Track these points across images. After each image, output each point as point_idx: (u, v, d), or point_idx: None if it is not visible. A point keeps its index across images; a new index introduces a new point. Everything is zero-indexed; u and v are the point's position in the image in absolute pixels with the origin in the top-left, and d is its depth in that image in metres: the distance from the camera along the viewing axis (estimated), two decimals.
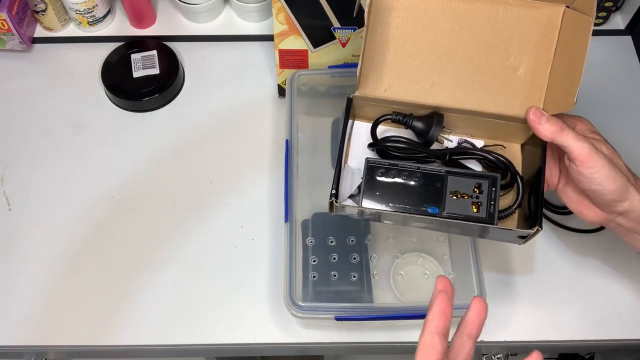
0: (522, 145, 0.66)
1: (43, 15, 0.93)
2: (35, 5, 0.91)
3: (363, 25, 0.77)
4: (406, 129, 0.65)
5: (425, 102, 0.62)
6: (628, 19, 0.93)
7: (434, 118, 0.62)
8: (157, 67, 0.89)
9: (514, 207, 0.61)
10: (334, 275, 0.72)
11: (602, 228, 0.78)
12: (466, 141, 0.65)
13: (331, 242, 0.74)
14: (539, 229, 0.57)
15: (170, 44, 0.93)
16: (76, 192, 0.82)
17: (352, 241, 0.75)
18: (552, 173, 0.64)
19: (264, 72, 0.91)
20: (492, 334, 0.72)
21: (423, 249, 0.76)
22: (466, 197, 0.59)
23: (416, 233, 0.77)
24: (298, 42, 0.80)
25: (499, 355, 0.78)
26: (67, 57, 0.94)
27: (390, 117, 0.64)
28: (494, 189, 0.59)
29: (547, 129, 0.58)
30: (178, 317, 0.73)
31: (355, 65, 0.82)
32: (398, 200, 0.59)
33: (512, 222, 0.62)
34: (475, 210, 0.58)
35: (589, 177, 0.57)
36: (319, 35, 0.79)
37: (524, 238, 0.59)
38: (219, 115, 0.88)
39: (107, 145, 0.86)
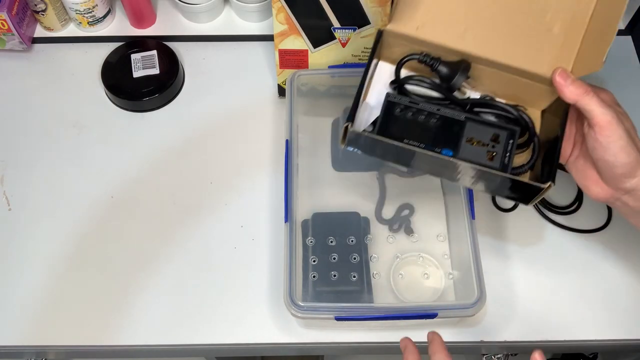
0: (543, 112, 0.64)
1: (43, 15, 0.93)
2: (35, 5, 0.91)
3: (363, 26, 0.77)
4: (431, 72, 0.62)
5: (455, 47, 0.60)
6: (628, 19, 0.93)
7: (461, 65, 0.60)
8: (157, 67, 0.89)
9: (527, 166, 0.60)
10: (334, 275, 0.72)
11: (602, 227, 0.78)
12: (487, 96, 0.64)
13: (331, 242, 0.74)
14: (552, 184, 0.56)
15: (170, 44, 0.93)
16: (76, 192, 0.82)
17: (352, 241, 0.75)
18: (565, 145, 0.63)
19: (264, 72, 0.91)
20: (492, 334, 0.72)
21: (423, 249, 0.76)
22: (482, 145, 0.58)
23: (416, 233, 0.77)
24: (298, 42, 0.80)
25: (499, 355, 0.78)
26: (67, 57, 0.94)
27: (417, 57, 0.62)
28: (511, 141, 0.59)
29: (572, 91, 0.57)
30: (178, 317, 0.73)
31: (355, 65, 0.82)
32: (413, 138, 0.58)
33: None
34: (489, 159, 0.58)
35: (605, 145, 0.57)
36: (319, 35, 0.79)
37: (534, 196, 0.57)
38: (219, 115, 0.88)
39: (107, 145, 0.86)
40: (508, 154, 0.58)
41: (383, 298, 0.73)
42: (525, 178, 0.59)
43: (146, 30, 0.96)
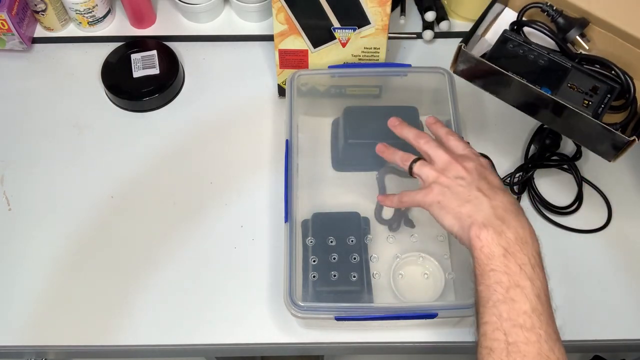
0: None
1: (43, 15, 0.93)
2: (35, 5, 0.91)
3: (363, 26, 0.77)
4: (550, 23, 0.68)
5: (578, 3, 0.65)
6: None
7: (579, 21, 0.66)
8: (157, 67, 0.89)
9: (619, 124, 0.63)
10: (334, 275, 0.72)
11: (602, 228, 0.78)
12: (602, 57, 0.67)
13: (331, 242, 0.74)
14: (637, 140, 0.59)
15: (170, 44, 0.93)
16: (76, 192, 0.82)
17: (352, 241, 0.75)
18: None
19: (264, 72, 0.91)
20: None
21: (423, 249, 0.76)
22: (580, 92, 0.62)
23: (416, 233, 0.77)
24: (298, 42, 0.80)
25: None
26: (67, 57, 0.94)
27: (541, 5, 0.67)
28: (609, 95, 0.62)
29: None
30: (178, 317, 0.73)
31: (355, 65, 0.82)
32: (518, 70, 0.63)
33: None
34: (584, 105, 0.62)
35: None
36: (319, 35, 0.79)
37: (618, 150, 0.61)
38: (218, 115, 0.88)
39: (107, 145, 0.86)
40: (603, 106, 0.62)
41: (383, 298, 0.73)
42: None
43: (146, 30, 0.96)
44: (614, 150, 0.62)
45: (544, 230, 0.78)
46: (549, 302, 0.55)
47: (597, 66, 0.66)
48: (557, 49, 0.68)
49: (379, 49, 0.81)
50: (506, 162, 0.83)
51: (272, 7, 0.76)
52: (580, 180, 0.80)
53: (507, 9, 0.71)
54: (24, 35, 0.91)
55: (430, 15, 0.92)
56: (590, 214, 0.79)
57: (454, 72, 0.69)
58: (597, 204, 0.80)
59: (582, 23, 0.66)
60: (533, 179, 0.80)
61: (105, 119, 0.88)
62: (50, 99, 0.90)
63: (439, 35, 0.94)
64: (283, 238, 0.70)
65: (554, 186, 0.81)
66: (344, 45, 0.80)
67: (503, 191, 0.60)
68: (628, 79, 0.64)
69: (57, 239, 0.78)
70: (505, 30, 0.67)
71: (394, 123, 0.70)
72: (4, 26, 0.88)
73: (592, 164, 0.82)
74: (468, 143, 0.65)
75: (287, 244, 0.69)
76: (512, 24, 0.69)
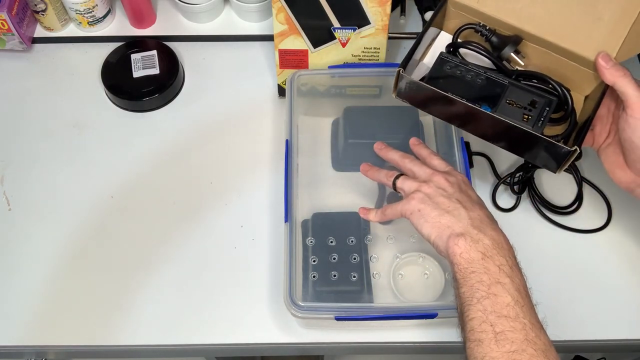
0: (585, 98, 0.69)
1: (43, 15, 0.93)
2: (35, 5, 0.91)
3: (363, 26, 0.77)
4: (484, 42, 0.70)
5: (510, 22, 0.68)
6: None
7: (512, 38, 0.68)
8: (157, 67, 0.89)
9: (560, 136, 0.65)
10: (334, 275, 0.72)
11: (602, 228, 0.78)
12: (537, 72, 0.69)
13: (331, 242, 0.74)
14: (578, 149, 0.61)
15: (170, 44, 0.93)
16: (76, 192, 0.82)
17: (352, 241, 0.75)
18: (601, 132, 0.67)
19: (264, 72, 0.91)
20: None
21: (423, 249, 0.76)
22: (519, 108, 0.64)
23: (416, 233, 0.76)
24: (298, 42, 0.80)
25: None
26: (67, 57, 0.94)
27: (474, 26, 0.70)
28: (547, 108, 0.64)
29: (612, 73, 0.62)
30: (178, 317, 0.73)
31: (355, 65, 0.82)
32: (457, 91, 0.65)
33: None
34: (524, 120, 0.64)
35: (633, 126, 0.60)
36: (319, 35, 0.79)
37: (560, 163, 0.63)
38: (218, 115, 0.88)
39: (107, 145, 0.86)
40: (542, 119, 0.64)
41: (383, 298, 0.73)
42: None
43: (146, 30, 0.96)
44: (557, 161, 0.63)
45: (544, 230, 0.78)
46: (529, 297, 0.57)
47: (535, 81, 0.68)
48: (494, 67, 0.69)
49: (379, 49, 0.81)
50: (506, 162, 0.83)
51: (272, 7, 0.76)
52: (580, 180, 0.80)
53: (442, 32, 0.73)
54: (24, 35, 0.91)
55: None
56: (590, 213, 0.79)
57: (396, 96, 0.69)
58: (597, 204, 0.80)
59: (515, 40, 0.68)
60: (533, 178, 0.80)
61: (105, 119, 0.88)
62: (50, 99, 0.90)
63: None
64: (283, 238, 0.70)
65: (554, 186, 0.81)
66: (344, 45, 0.80)
67: (481, 205, 0.63)
68: (565, 91, 0.66)
69: (57, 239, 0.78)
70: (441, 53, 0.68)
71: (379, 147, 0.73)
72: (4, 26, 0.88)
73: (592, 164, 0.82)
74: (447, 162, 0.68)
75: (287, 244, 0.69)
76: (448, 45, 0.71)
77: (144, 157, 0.84)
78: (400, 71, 0.66)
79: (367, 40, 0.80)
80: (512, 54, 0.69)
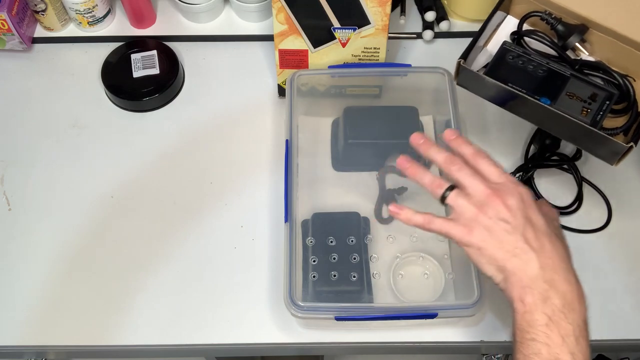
0: None
1: (43, 15, 0.93)
2: (35, 5, 0.91)
3: (363, 26, 0.77)
4: (550, 31, 0.69)
5: (577, 11, 0.67)
6: None
7: (578, 27, 0.67)
8: (157, 67, 0.89)
9: (620, 129, 0.65)
10: (334, 275, 0.72)
11: (602, 228, 0.78)
12: (601, 61, 0.69)
13: (331, 242, 0.74)
14: (634, 145, 0.60)
15: (170, 44, 0.93)
16: (76, 192, 0.82)
17: (352, 241, 0.75)
18: None
19: (264, 72, 0.91)
20: (492, 334, 0.72)
21: (423, 249, 0.76)
22: (579, 101, 0.63)
23: (416, 232, 0.77)
24: (298, 42, 0.80)
25: (499, 356, 0.78)
26: (67, 57, 0.94)
27: (540, 14, 0.69)
28: (607, 102, 0.63)
29: None
30: (178, 317, 0.73)
31: (355, 65, 0.82)
32: (517, 83, 0.65)
33: None
34: (583, 114, 0.63)
35: None
36: (319, 35, 0.79)
37: (617, 157, 0.63)
38: (218, 115, 0.88)
39: (107, 145, 0.86)
40: (601, 113, 0.63)
41: (383, 298, 0.73)
42: (618, 139, 0.63)
43: (146, 30, 0.96)
44: (614, 155, 0.63)
45: None
46: None
47: (597, 72, 0.67)
48: (557, 56, 0.69)
49: (379, 49, 0.81)
50: (506, 162, 0.83)
51: (272, 7, 0.76)
52: (580, 180, 0.80)
53: (508, 16, 0.73)
54: (24, 35, 0.91)
55: (430, 15, 0.92)
56: (590, 214, 0.79)
57: (458, 84, 0.70)
58: (597, 204, 0.80)
59: (581, 29, 0.68)
60: (533, 179, 0.80)
61: (105, 119, 0.88)
62: (50, 99, 0.90)
63: (439, 35, 0.94)
64: (283, 238, 0.70)
65: (554, 186, 0.81)
66: (344, 45, 0.80)
67: (549, 237, 0.55)
68: (627, 82, 0.66)
69: (57, 238, 0.78)
70: (504, 42, 0.68)
71: (417, 141, 0.63)
72: (4, 26, 0.88)
73: (592, 164, 0.82)
74: (500, 168, 0.60)
75: (287, 244, 0.69)
76: (512, 33, 0.70)
77: (144, 157, 0.84)
78: (461, 62, 0.66)
79: (367, 40, 0.80)
80: (576, 44, 0.68)
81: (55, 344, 0.73)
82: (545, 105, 0.63)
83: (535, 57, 0.66)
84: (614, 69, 0.68)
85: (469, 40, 0.94)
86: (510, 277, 0.54)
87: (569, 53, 0.70)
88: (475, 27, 0.94)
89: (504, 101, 0.68)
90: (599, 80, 0.67)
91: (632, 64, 0.67)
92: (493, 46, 0.70)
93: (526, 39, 0.70)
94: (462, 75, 0.68)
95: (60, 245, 0.78)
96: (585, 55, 0.70)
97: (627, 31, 0.65)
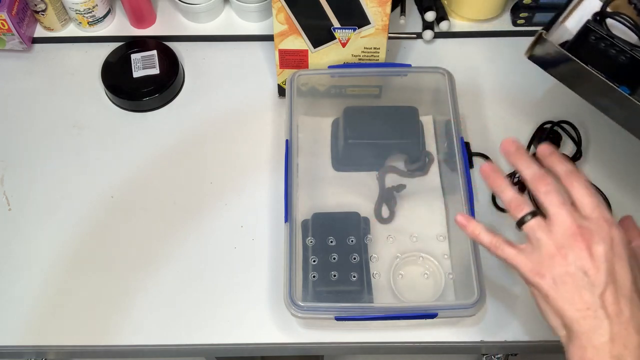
0: None
1: (43, 15, 0.93)
2: (35, 5, 0.91)
3: (363, 26, 0.77)
4: (637, 16, 0.64)
5: None
6: None
7: None
8: (157, 67, 0.89)
9: None
10: (334, 275, 0.72)
11: None
12: None
13: (331, 242, 0.74)
14: None
15: (170, 44, 0.93)
16: (76, 192, 0.82)
17: (352, 241, 0.75)
18: None
19: (264, 72, 0.91)
20: (492, 334, 0.72)
21: (423, 249, 0.76)
22: None
23: (416, 232, 0.77)
24: (298, 42, 0.80)
25: (499, 356, 0.78)
26: (67, 57, 0.94)
27: None
28: None
29: None
30: (178, 317, 0.73)
31: (355, 65, 0.82)
32: (597, 65, 0.60)
33: None
34: None
35: None
36: (319, 35, 0.79)
37: None
38: (218, 115, 0.88)
39: (107, 145, 0.86)
40: None
41: (383, 298, 0.73)
42: None
43: (146, 30, 0.96)
44: None
45: None
46: None
47: None
48: None
49: (379, 49, 0.81)
50: (506, 162, 0.83)
51: (272, 7, 0.76)
52: None
53: None
54: (24, 35, 0.91)
55: (430, 15, 0.92)
56: None
57: (529, 57, 0.66)
58: None
59: None
60: None
61: (105, 119, 0.88)
62: (50, 99, 0.90)
63: (439, 35, 0.94)
64: (283, 238, 0.70)
65: None
66: (344, 45, 0.80)
67: (631, 302, 0.48)
68: None
69: (57, 238, 0.78)
70: (588, 21, 0.63)
71: (508, 148, 0.56)
72: (4, 26, 0.88)
73: (592, 165, 0.82)
74: (596, 192, 0.52)
75: (287, 244, 0.69)
76: (595, 14, 0.65)
77: (144, 157, 0.84)
78: (543, 34, 0.62)
79: (367, 40, 0.80)
80: None
81: (55, 344, 0.73)
82: (625, 94, 0.58)
83: (619, 42, 0.61)
84: None
85: (469, 40, 0.95)
86: (574, 339, 0.48)
87: None
88: (475, 27, 0.95)
89: (577, 83, 0.63)
90: None
91: None
92: (572, 24, 0.65)
93: (609, 21, 0.64)
94: (539, 47, 0.64)
95: (60, 245, 0.78)
96: None
97: None
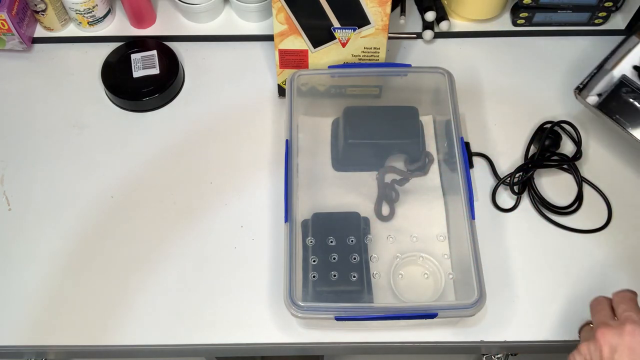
0: None
1: (43, 15, 0.93)
2: (35, 5, 0.91)
3: (363, 26, 0.77)
4: None
5: None
6: (628, 19, 0.93)
7: None
8: (157, 67, 0.89)
9: None
10: (334, 275, 0.72)
11: (602, 228, 0.78)
12: None
13: (331, 242, 0.74)
14: None
15: (170, 44, 0.93)
16: (76, 192, 0.82)
17: (352, 241, 0.75)
18: None
19: (264, 72, 0.91)
20: (492, 334, 0.72)
21: (423, 249, 0.76)
22: None
23: (416, 232, 0.77)
24: (298, 42, 0.80)
25: (499, 356, 0.78)
26: (67, 57, 0.94)
27: None
28: None
29: None
30: (178, 317, 0.73)
31: (355, 65, 0.82)
32: (627, 120, 0.66)
33: None
34: None
35: None
36: (319, 35, 0.79)
37: None
38: (219, 115, 0.88)
39: (107, 145, 0.86)
40: None
41: (383, 298, 0.73)
42: None
43: (146, 30, 0.96)
44: None
45: (544, 230, 0.78)
46: None
47: None
48: None
49: (379, 49, 0.81)
50: (506, 162, 0.83)
51: (272, 7, 0.76)
52: (580, 181, 0.80)
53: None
54: (24, 35, 0.91)
55: (430, 15, 0.92)
56: (590, 214, 0.79)
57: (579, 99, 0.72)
58: (597, 204, 0.80)
59: None
60: (533, 179, 0.80)
61: (105, 119, 0.88)
62: (50, 99, 0.90)
63: (439, 35, 0.94)
64: (283, 238, 0.70)
65: (554, 186, 0.81)
66: (344, 45, 0.80)
67: None
68: None
69: (57, 239, 0.78)
70: (623, 76, 0.68)
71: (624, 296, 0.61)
72: (4, 26, 0.88)
73: (592, 164, 0.82)
74: None
75: (287, 244, 0.69)
76: (635, 67, 0.69)
77: (144, 157, 0.84)
78: (576, 93, 0.70)
79: (367, 40, 0.80)
80: None
81: (55, 344, 0.73)
82: None
83: None
84: None
85: (469, 40, 0.95)
86: None
87: None
88: (475, 27, 0.95)
89: (617, 131, 0.70)
90: None
91: None
92: (618, 72, 0.70)
93: None
94: (579, 100, 0.71)
95: (60, 245, 0.78)
96: None
97: None
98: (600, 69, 0.69)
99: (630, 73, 0.68)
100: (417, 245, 0.76)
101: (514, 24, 0.95)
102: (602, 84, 0.70)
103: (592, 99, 0.69)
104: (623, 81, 0.68)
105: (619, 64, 0.70)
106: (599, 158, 0.83)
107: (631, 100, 0.66)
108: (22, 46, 0.92)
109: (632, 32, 0.69)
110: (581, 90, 0.69)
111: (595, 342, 0.57)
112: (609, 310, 0.61)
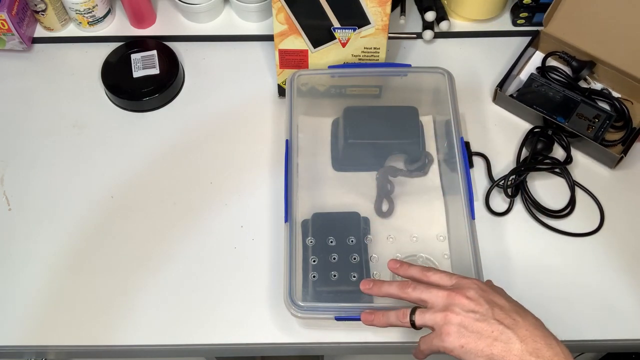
0: None
1: (43, 15, 0.93)
2: (35, 5, 0.91)
3: (363, 26, 0.78)
4: (566, 66, 0.89)
5: (588, 51, 0.86)
6: None
7: (587, 63, 0.86)
8: (157, 67, 0.89)
9: (618, 141, 0.83)
10: (334, 275, 0.72)
11: (594, 232, 0.78)
12: (605, 89, 0.88)
13: (331, 242, 0.74)
14: (623, 155, 0.79)
15: (170, 44, 0.93)
16: (76, 192, 0.82)
17: (352, 241, 0.75)
18: None
19: (264, 72, 0.91)
20: None
21: (423, 249, 0.76)
22: (586, 120, 0.82)
23: (416, 233, 0.77)
24: (298, 42, 0.80)
25: None
26: (67, 57, 0.94)
27: (559, 53, 0.89)
28: (607, 122, 0.81)
29: None
30: (178, 317, 0.73)
31: (355, 65, 0.82)
32: (540, 105, 0.83)
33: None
34: (588, 130, 0.81)
35: None
36: (319, 35, 0.79)
37: (613, 162, 0.81)
38: (218, 115, 0.88)
39: (107, 145, 0.86)
40: (602, 130, 0.81)
41: (383, 298, 0.73)
42: (615, 150, 0.82)
43: (146, 30, 0.96)
44: (611, 161, 0.81)
45: (537, 234, 0.78)
46: None
47: (601, 98, 0.86)
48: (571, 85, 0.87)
49: (379, 49, 0.81)
50: (506, 162, 0.83)
51: (272, 7, 0.76)
52: (572, 184, 0.80)
53: (537, 52, 0.91)
54: (24, 35, 0.91)
55: (430, 15, 0.92)
56: (582, 217, 0.79)
57: (496, 103, 0.88)
58: (590, 208, 0.80)
59: (590, 65, 0.86)
60: (526, 182, 0.80)
61: (105, 119, 0.88)
62: (50, 99, 0.90)
63: (439, 35, 0.94)
64: (283, 238, 0.70)
65: (547, 190, 0.81)
66: (344, 45, 0.80)
67: (517, 312, 0.57)
68: (623, 106, 0.84)
69: (57, 238, 0.78)
70: (532, 74, 0.86)
71: (394, 267, 0.65)
72: (4, 26, 0.88)
73: (583, 168, 0.82)
74: (448, 272, 0.62)
75: (287, 244, 0.69)
76: (538, 68, 0.90)
77: (144, 157, 0.84)
78: (497, 90, 0.85)
79: (367, 40, 0.80)
80: (586, 76, 0.87)
81: (55, 344, 0.73)
82: (561, 123, 0.81)
83: (554, 86, 0.84)
84: (615, 95, 0.86)
85: (469, 40, 0.95)
86: None
87: (581, 83, 0.87)
88: (475, 27, 0.95)
89: (531, 117, 0.85)
90: (604, 105, 0.85)
91: (630, 90, 0.85)
92: (524, 75, 0.89)
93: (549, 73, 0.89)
94: (499, 98, 0.87)
95: (60, 245, 0.78)
96: (593, 85, 0.88)
97: (625, 66, 0.84)
98: (508, 76, 0.87)
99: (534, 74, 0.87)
100: (417, 245, 0.76)
101: (514, 24, 0.95)
102: (514, 86, 0.89)
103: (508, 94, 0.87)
104: (533, 78, 0.85)
105: (523, 70, 0.91)
106: (590, 162, 0.83)
107: (543, 91, 0.84)
108: (22, 46, 0.92)
109: (526, 47, 0.89)
110: (501, 88, 0.86)
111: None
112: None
